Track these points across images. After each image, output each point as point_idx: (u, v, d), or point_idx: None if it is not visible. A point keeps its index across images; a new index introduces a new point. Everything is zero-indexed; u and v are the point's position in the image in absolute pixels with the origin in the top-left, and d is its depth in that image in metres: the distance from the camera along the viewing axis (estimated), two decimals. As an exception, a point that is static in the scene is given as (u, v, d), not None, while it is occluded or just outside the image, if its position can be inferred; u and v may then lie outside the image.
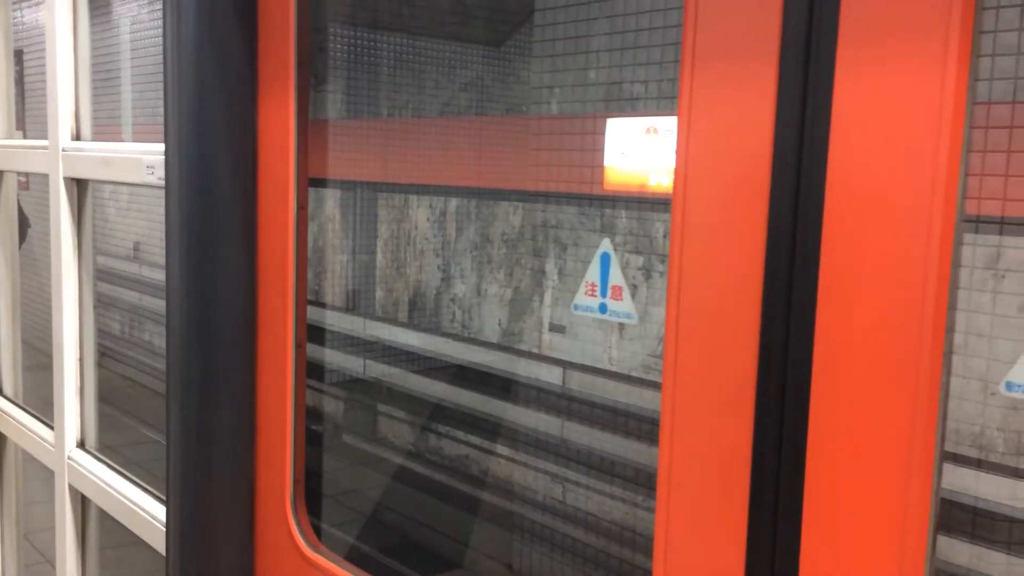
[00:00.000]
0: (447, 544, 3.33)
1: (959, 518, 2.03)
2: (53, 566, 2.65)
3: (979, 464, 2.14)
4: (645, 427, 2.81)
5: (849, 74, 0.96)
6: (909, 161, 0.92)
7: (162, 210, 1.85)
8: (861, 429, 0.97)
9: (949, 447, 2.18)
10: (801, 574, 1.03)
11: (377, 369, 3.91)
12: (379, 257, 4.18)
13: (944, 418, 0.95)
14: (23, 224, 3.45)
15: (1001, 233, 2.11)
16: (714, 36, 1.07)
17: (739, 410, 1.06)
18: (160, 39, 1.81)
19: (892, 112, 0.93)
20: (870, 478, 0.97)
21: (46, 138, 2.50)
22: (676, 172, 1.11)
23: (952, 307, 0.94)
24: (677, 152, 1.11)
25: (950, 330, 0.94)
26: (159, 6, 1.82)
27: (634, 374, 3.03)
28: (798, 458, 1.02)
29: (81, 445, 2.55)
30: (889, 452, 0.95)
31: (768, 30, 1.01)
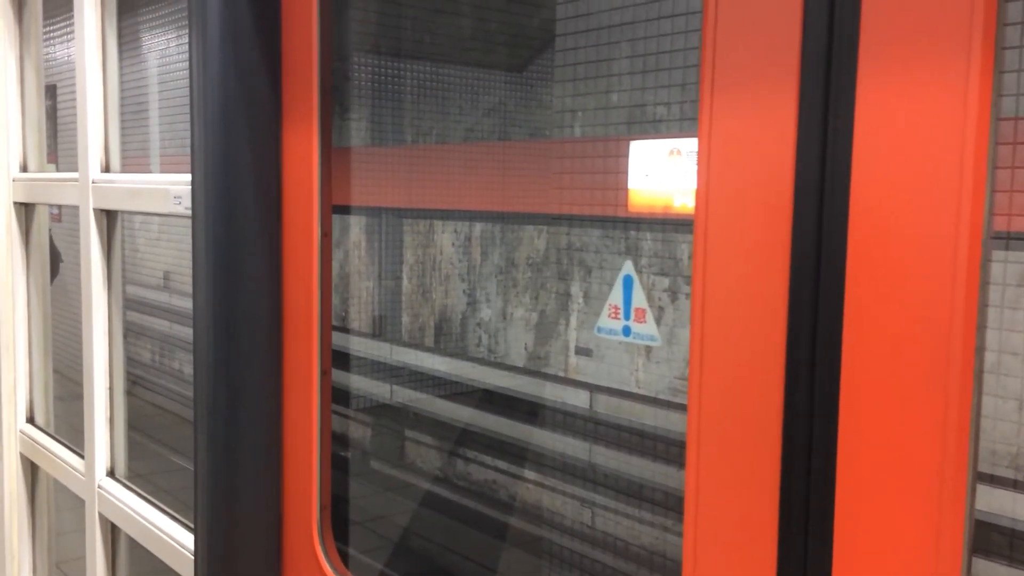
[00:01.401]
0: (476, 571, 3.30)
1: (997, 541, 1.99)
2: (84, 595, 2.67)
3: (1015, 485, 2.09)
4: (673, 450, 2.78)
5: (870, 91, 0.95)
6: (933, 178, 0.91)
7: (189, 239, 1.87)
8: (891, 449, 0.95)
9: (985, 468, 2.14)
10: (833, 600, 1.01)
11: (404, 395, 3.91)
12: (404, 282, 4.20)
13: (977, 438, 0.93)
14: (55, 259, 3.50)
15: (1033, 249, 2.08)
16: (733, 57, 1.07)
17: (766, 431, 1.05)
18: (187, 71, 1.84)
19: (915, 129, 0.92)
20: (902, 498, 0.95)
21: (76, 171, 2.54)
22: (698, 193, 1.11)
23: (982, 325, 0.92)
24: (698, 173, 1.10)
25: (980, 349, 0.92)
26: (186, 40, 1.85)
27: (661, 397, 3.01)
28: (827, 479, 1.00)
29: (111, 474, 2.57)
30: (921, 472, 0.94)
31: (788, 49, 1.01)
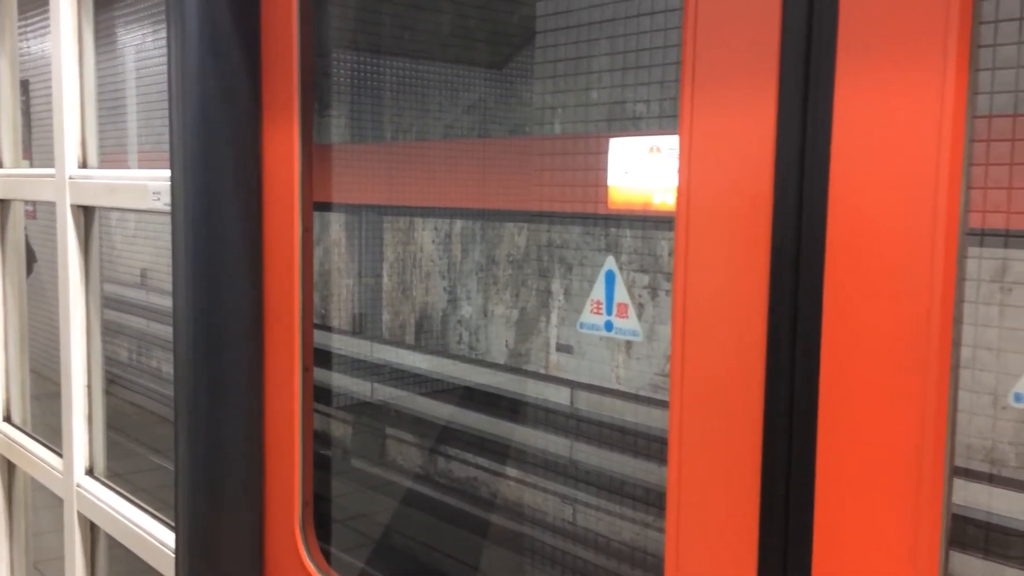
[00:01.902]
0: (458, 568, 3.31)
1: (973, 534, 2.02)
2: (62, 595, 2.65)
3: (991, 479, 2.12)
4: (654, 446, 2.79)
5: (849, 89, 0.96)
6: (911, 175, 0.92)
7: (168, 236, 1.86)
8: (870, 443, 0.97)
9: (961, 462, 2.17)
10: (813, 592, 1.02)
11: (384, 392, 3.91)
12: (385, 280, 4.19)
13: (953, 432, 0.95)
14: (29, 258, 3.47)
15: (1007, 246, 2.10)
16: (713, 54, 1.08)
17: (747, 426, 1.06)
18: (165, 67, 1.82)
19: (893, 127, 0.93)
20: (880, 493, 0.96)
21: (53, 167, 2.52)
22: (679, 191, 1.11)
23: (958, 320, 0.94)
24: (679, 171, 1.11)
25: (957, 343, 0.94)
26: (164, 35, 1.84)
27: (641, 393, 3.03)
28: (807, 474, 1.01)
29: (90, 472, 2.55)
30: (899, 466, 0.95)
31: (767, 46, 1.02)
